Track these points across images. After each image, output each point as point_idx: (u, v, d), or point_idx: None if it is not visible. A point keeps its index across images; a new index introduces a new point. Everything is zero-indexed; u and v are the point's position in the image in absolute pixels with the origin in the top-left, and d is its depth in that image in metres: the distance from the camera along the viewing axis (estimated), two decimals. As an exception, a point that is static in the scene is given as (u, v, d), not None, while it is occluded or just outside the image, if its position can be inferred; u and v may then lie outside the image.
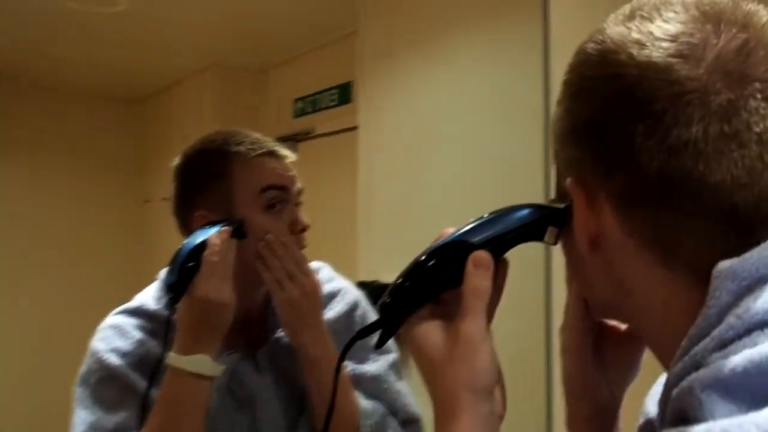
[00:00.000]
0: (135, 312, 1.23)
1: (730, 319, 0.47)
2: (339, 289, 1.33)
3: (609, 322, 0.72)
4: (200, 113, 4.31)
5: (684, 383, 0.47)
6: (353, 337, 0.72)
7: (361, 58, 3.01)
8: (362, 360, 1.28)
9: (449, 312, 0.65)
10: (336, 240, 3.28)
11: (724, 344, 0.47)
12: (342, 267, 1.42)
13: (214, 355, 1.10)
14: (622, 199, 0.55)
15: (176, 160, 1.25)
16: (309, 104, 3.99)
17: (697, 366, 0.48)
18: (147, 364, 1.15)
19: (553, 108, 0.63)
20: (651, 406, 0.71)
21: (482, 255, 0.64)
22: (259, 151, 1.20)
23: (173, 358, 1.09)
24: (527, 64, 2.24)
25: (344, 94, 3.73)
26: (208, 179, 1.20)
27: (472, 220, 0.67)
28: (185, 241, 1.14)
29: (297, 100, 4.08)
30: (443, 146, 2.59)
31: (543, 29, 1.98)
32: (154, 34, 3.82)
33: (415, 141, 2.71)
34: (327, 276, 1.35)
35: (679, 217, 0.52)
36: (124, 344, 1.17)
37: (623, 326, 0.71)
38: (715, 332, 0.48)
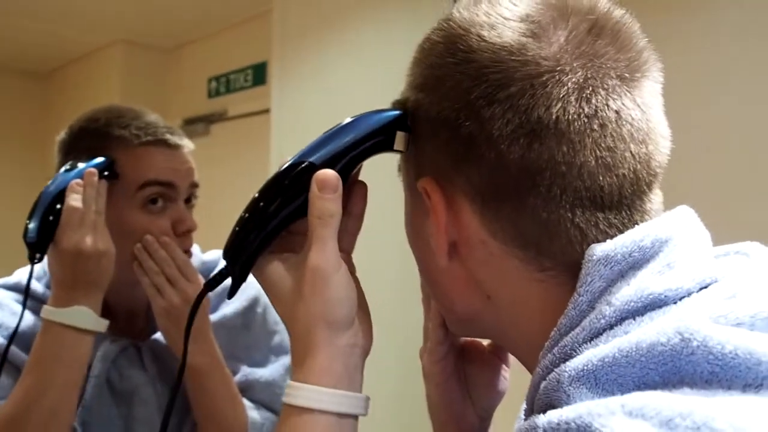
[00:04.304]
0: (13, 287, 1.12)
1: (602, 307, 0.45)
2: None
3: (470, 341, 0.68)
4: (108, 89, 4.15)
5: (552, 375, 0.45)
6: (200, 292, 0.66)
7: (275, 37, 2.92)
8: (257, 363, 1.20)
9: (300, 244, 0.59)
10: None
11: (595, 334, 0.45)
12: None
13: (96, 307, 1.00)
14: (483, 194, 0.51)
15: (61, 134, 1.12)
16: (223, 84, 3.87)
17: (566, 357, 0.46)
18: (25, 337, 1.05)
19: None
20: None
21: (326, 174, 0.57)
22: (144, 139, 1.07)
23: (46, 311, 0.98)
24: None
25: (259, 74, 3.62)
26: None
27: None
28: (45, 188, 1.02)
29: (211, 79, 3.95)
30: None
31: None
32: (61, 6, 3.63)
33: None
34: None
35: (546, 208, 0.49)
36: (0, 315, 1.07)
37: (485, 343, 0.68)
38: (586, 321, 0.46)
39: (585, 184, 0.48)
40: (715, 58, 1.65)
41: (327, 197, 0.57)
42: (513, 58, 0.49)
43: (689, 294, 0.46)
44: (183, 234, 1.09)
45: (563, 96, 0.48)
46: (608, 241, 0.48)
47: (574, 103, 0.48)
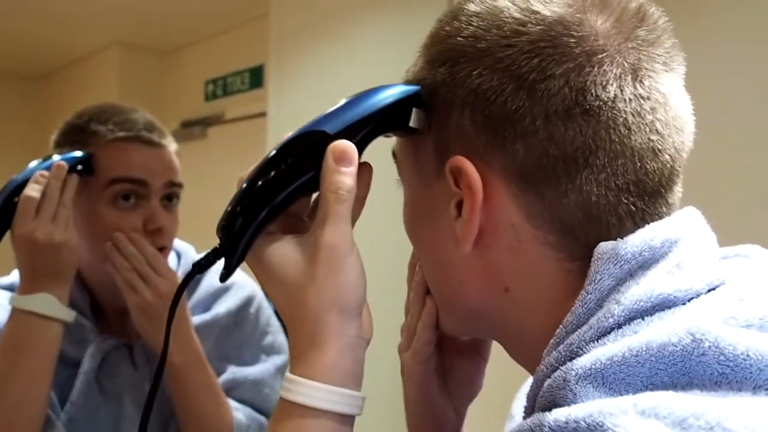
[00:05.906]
0: (9, 287, 1.12)
1: (611, 306, 0.44)
2: (233, 282, 1.22)
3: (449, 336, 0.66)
4: (105, 92, 4.14)
5: (558, 373, 0.44)
6: (188, 273, 0.59)
7: (272, 40, 2.91)
8: (246, 362, 1.19)
9: (303, 224, 0.56)
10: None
11: (603, 333, 0.44)
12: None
13: (62, 295, 0.99)
14: (526, 173, 0.48)
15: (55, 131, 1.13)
16: (220, 87, 3.86)
17: (572, 356, 0.44)
18: None
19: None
20: (518, 407, 0.67)
21: (344, 145, 0.52)
22: (119, 134, 1.06)
23: (13, 299, 0.99)
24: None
25: (256, 77, 3.62)
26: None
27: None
28: (13, 177, 1.02)
29: (208, 82, 3.94)
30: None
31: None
32: (58, 8, 3.61)
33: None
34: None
35: (595, 190, 0.47)
36: None
37: (463, 338, 0.66)
38: (593, 320, 0.45)
39: (635, 166, 0.47)
40: (715, 60, 1.65)
41: (344, 170, 0.52)
42: (569, 32, 0.47)
43: (698, 295, 0.45)
44: (153, 232, 1.08)
45: (620, 75, 0.47)
46: (618, 239, 0.47)
47: (630, 83, 0.47)
